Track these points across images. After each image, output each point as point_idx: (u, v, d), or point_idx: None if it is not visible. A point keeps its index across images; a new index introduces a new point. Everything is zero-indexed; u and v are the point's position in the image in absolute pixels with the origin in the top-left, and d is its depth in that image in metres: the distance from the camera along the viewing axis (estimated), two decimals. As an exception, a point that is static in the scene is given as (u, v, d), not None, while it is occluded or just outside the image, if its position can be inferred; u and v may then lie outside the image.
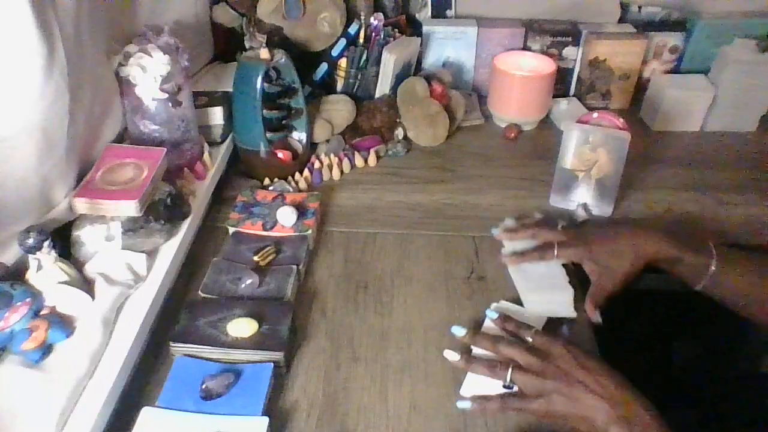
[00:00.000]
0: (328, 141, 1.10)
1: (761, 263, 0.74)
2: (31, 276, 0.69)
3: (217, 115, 1.01)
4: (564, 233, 0.81)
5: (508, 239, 0.85)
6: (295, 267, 0.81)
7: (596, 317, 0.73)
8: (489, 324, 0.72)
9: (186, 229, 0.83)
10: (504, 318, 0.70)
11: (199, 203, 0.90)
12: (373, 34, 1.12)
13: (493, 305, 0.76)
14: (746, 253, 0.76)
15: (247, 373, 0.67)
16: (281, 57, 0.97)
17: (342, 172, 1.07)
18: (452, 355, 0.68)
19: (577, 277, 0.80)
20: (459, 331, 0.70)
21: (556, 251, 0.79)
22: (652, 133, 1.21)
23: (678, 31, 1.29)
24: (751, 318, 0.73)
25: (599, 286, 0.76)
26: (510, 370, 0.63)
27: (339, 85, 1.16)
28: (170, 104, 0.85)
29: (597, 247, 0.77)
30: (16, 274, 0.69)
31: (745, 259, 0.74)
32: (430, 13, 1.31)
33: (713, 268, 0.72)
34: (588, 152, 0.92)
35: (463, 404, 0.65)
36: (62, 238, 0.73)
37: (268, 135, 0.98)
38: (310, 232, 0.88)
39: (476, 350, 0.69)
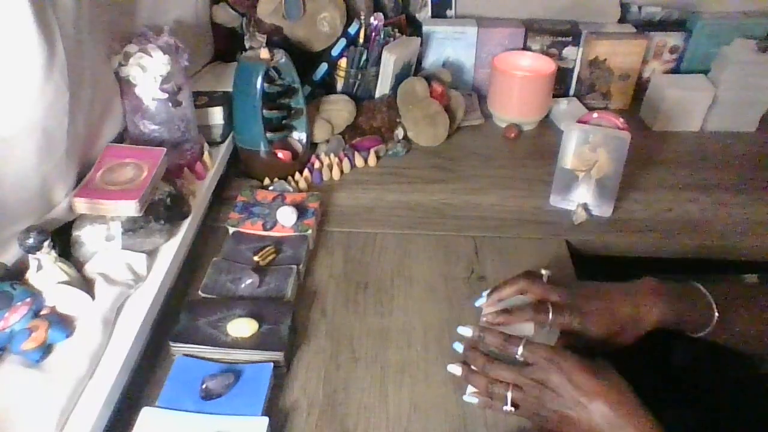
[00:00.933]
0: (328, 141, 1.10)
1: (763, 301, 0.70)
2: (31, 276, 0.69)
3: (217, 115, 1.01)
4: (555, 290, 0.70)
5: (497, 300, 0.72)
6: (295, 267, 0.81)
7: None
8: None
9: (186, 229, 0.83)
10: (487, 331, 0.66)
11: (199, 203, 0.90)
12: (373, 34, 1.12)
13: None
14: (746, 291, 0.72)
15: (247, 373, 0.67)
16: (281, 57, 0.97)
17: (342, 172, 1.07)
18: (455, 369, 0.67)
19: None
20: (458, 347, 0.68)
21: (551, 315, 0.67)
22: (652, 133, 1.21)
23: (678, 31, 1.29)
24: (762, 357, 0.70)
25: (582, 343, 0.68)
26: (509, 392, 0.62)
27: (339, 85, 1.16)
28: (170, 104, 0.85)
29: (595, 318, 0.67)
30: (16, 274, 0.69)
31: (746, 301, 0.70)
32: (430, 13, 1.31)
33: (715, 321, 0.68)
34: (588, 152, 0.92)
35: (469, 399, 0.65)
36: (62, 238, 0.73)
37: (268, 135, 0.98)
38: (310, 232, 0.88)
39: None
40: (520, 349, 0.63)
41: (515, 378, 0.62)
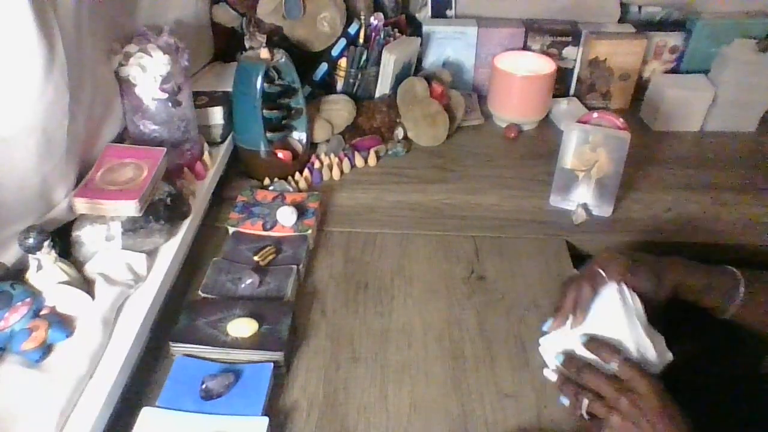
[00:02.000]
0: (328, 141, 1.10)
1: None
2: (31, 276, 0.69)
3: (217, 115, 1.01)
4: (595, 263, 0.69)
5: (563, 316, 0.67)
6: (295, 267, 0.81)
7: None
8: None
9: (186, 229, 0.83)
10: (590, 341, 0.64)
11: (199, 203, 0.90)
12: (373, 34, 1.12)
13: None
14: None
15: (247, 373, 0.67)
16: (281, 57, 0.97)
17: (342, 172, 1.07)
18: (551, 375, 0.66)
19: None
20: (559, 359, 0.66)
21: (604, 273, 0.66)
22: (652, 133, 1.21)
23: (678, 31, 1.29)
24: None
25: None
26: (586, 401, 0.61)
27: (339, 85, 1.16)
28: (170, 104, 0.85)
29: (637, 257, 0.68)
30: (16, 274, 0.69)
31: None
32: (430, 13, 1.31)
33: (741, 293, 0.68)
34: (588, 152, 0.92)
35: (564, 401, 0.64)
36: (62, 238, 0.73)
37: (268, 135, 0.98)
38: (310, 232, 0.88)
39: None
40: (615, 365, 0.61)
41: (603, 387, 0.60)
